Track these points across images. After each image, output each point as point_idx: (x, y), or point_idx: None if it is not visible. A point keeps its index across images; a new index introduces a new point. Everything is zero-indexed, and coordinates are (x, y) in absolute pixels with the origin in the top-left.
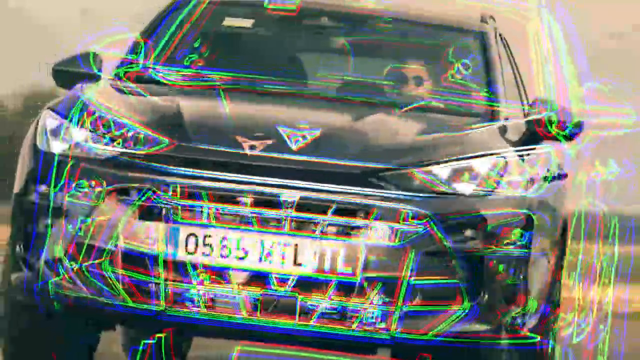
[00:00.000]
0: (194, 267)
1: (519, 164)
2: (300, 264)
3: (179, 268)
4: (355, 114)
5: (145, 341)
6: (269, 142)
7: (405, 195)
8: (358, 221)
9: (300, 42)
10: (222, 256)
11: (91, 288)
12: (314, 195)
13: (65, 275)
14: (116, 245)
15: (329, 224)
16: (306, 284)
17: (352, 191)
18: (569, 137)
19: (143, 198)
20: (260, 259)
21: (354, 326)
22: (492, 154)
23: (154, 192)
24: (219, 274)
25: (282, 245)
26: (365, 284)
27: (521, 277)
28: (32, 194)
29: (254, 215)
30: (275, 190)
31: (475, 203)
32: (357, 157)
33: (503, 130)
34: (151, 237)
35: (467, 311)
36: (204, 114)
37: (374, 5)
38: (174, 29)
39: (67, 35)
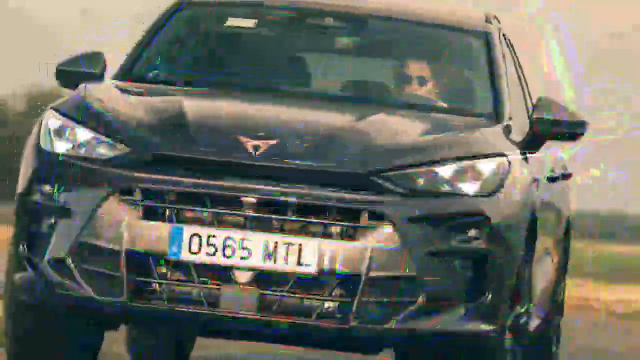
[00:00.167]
0: (197, 267)
1: (521, 165)
2: (303, 264)
3: (182, 268)
4: (358, 115)
5: (149, 341)
6: (272, 143)
7: (407, 196)
8: (360, 222)
9: (303, 42)
10: (225, 256)
11: (95, 288)
12: (316, 196)
13: (69, 276)
14: (120, 246)
15: (331, 225)
16: (308, 285)
17: (354, 192)
18: (571, 138)
19: (147, 198)
20: (264, 259)
21: (355, 325)
22: (495, 155)
23: (157, 192)
24: (222, 274)
25: (287, 245)
26: (367, 285)
27: (524, 277)
28: (35, 194)
29: (258, 215)
30: (277, 192)
31: (477, 204)
32: (359, 158)
33: (506, 130)
34: (155, 237)
35: (468, 311)
36: (206, 115)
37: (378, 5)
38: (176, 31)
39: (67, 35)
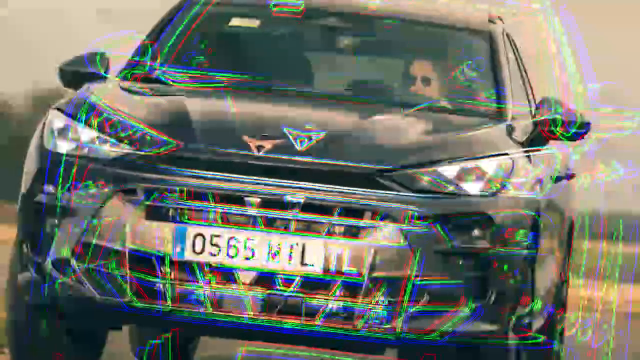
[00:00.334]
0: (201, 267)
1: (525, 165)
2: (308, 264)
3: (186, 268)
4: (362, 115)
5: (152, 341)
6: (276, 142)
7: (411, 195)
8: (365, 222)
9: (307, 42)
10: (229, 256)
11: (99, 288)
12: (321, 195)
13: (73, 276)
14: (123, 246)
15: (336, 225)
16: (313, 285)
17: (360, 191)
18: (573, 138)
19: (150, 198)
20: (268, 259)
21: (359, 326)
22: (498, 155)
23: (161, 191)
24: (226, 274)
25: (290, 245)
26: (371, 285)
27: (527, 277)
28: (38, 194)
29: (262, 215)
30: (281, 191)
31: (481, 203)
32: (363, 157)
33: (510, 130)
34: (158, 237)
35: (474, 311)
36: (211, 114)
37: (381, 5)
38: (181, 30)
39: (77, 35)
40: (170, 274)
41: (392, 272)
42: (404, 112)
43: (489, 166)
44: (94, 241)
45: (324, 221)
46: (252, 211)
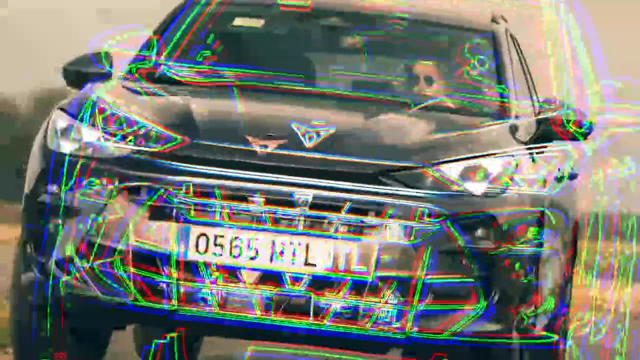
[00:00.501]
0: (207, 266)
1: (533, 163)
2: (313, 264)
3: (192, 267)
4: (368, 113)
5: (157, 341)
6: (283, 140)
7: (420, 193)
8: (372, 220)
9: (312, 40)
10: (233, 256)
11: (103, 287)
12: (327, 193)
13: (77, 275)
14: (127, 245)
15: (343, 223)
16: (320, 284)
17: (367, 189)
18: (585, 135)
19: (154, 197)
20: (272, 259)
21: (368, 326)
22: (502, 154)
23: (165, 190)
24: (231, 273)
25: (295, 245)
26: (380, 283)
27: (538, 276)
28: (42, 194)
29: (267, 214)
30: (288, 189)
31: (491, 201)
32: (371, 155)
33: (517, 128)
34: (162, 236)
35: (483, 310)
36: (215, 112)
37: (385, 4)
38: (186, 26)
39: (77, 35)
40: (174, 274)
41: (396, 271)
42: (409, 110)
43: (492, 166)
44: (98, 240)
45: (332, 219)
46: (256, 210)
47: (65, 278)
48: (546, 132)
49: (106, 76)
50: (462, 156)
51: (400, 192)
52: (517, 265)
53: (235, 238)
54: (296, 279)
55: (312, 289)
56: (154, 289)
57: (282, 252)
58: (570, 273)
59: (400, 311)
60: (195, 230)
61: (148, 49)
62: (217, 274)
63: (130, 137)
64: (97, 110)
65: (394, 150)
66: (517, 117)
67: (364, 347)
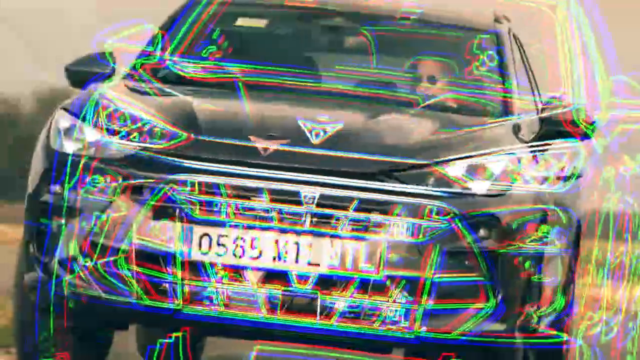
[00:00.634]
0: (211, 265)
1: (541, 160)
2: (318, 263)
3: (196, 266)
4: (373, 111)
5: (162, 340)
6: (289, 137)
7: (429, 191)
8: (380, 217)
9: (317, 40)
10: (235, 255)
11: (106, 286)
12: (334, 191)
13: (80, 274)
14: (131, 243)
15: (350, 221)
16: (327, 282)
17: (375, 186)
18: (582, 137)
19: (158, 195)
20: (280, 257)
21: (376, 325)
22: (505, 154)
23: (168, 190)
24: (237, 272)
25: (301, 243)
26: (388, 282)
27: (547, 274)
28: (45, 194)
29: (273, 212)
30: (294, 187)
31: (500, 200)
32: (379, 151)
33: (522, 127)
34: (165, 235)
35: (492, 309)
36: (218, 111)
37: (388, 4)
38: (192, 22)
39: (78, 35)
40: (177, 274)
41: (399, 271)
42: (416, 107)
43: (495, 165)
44: (101, 240)
45: (339, 217)
46: (261, 208)
47: (68, 277)
48: (548, 132)
49: (109, 75)
50: (470, 154)
51: (409, 190)
52: (527, 264)
53: (240, 237)
54: (303, 278)
55: (318, 288)
56: (158, 288)
57: (287, 251)
58: (573, 272)
59: (409, 310)
60: (198, 230)
61: (153, 45)
62: (222, 272)
63: (134, 134)
64: (99, 110)
65: (402, 148)
66: (521, 115)
67: (371, 347)
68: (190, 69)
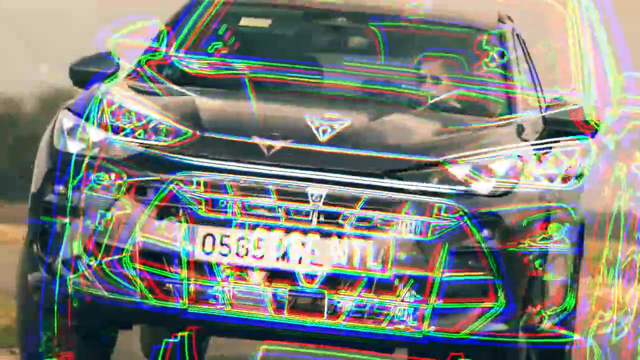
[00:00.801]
0: (216, 264)
1: (535, 163)
2: (325, 262)
3: (202, 265)
4: (381, 108)
5: (168, 340)
6: (296, 134)
7: (438, 189)
8: (388, 215)
9: (323, 39)
10: (240, 254)
11: (110, 286)
12: (342, 188)
13: (84, 273)
14: (135, 242)
15: (358, 218)
16: (334, 281)
17: (383, 184)
18: (586, 137)
19: (162, 194)
20: (286, 256)
21: (384, 324)
22: (508, 154)
23: (172, 190)
24: (242, 271)
25: (308, 241)
26: (396, 281)
27: (556, 273)
28: (49, 194)
29: (280, 209)
30: (301, 185)
31: (509, 198)
32: (387, 149)
33: (520, 129)
34: (169, 235)
35: (501, 309)
36: (219, 113)
37: (393, 4)
38: (197, 18)
39: (78, 36)
40: (180, 274)
41: (403, 271)
42: (423, 105)
43: (498, 165)
44: (105, 239)
45: (346, 214)
46: (268, 206)
47: (72, 276)
48: (551, 132)
49: (112, 73)
50: (478, 152)
51: (417, 188)
52: (536, 263)
53: (245, 236)
54: (309, 277)
55: (325, 287)
56: (163, 288)
57: (294, 249)
58: (576, 273)
59: (417, 309)
60: (202, 230)
61: (159, 41)
62: (228, 271)
63: (139, 132)
64: (103, 107)
65: (409, 146)
66: (523, 116)
67: (379, 347)
68: (195, 65)
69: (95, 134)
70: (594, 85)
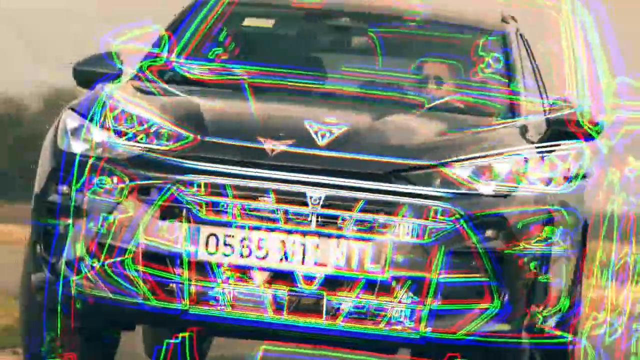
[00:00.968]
0: (218, 265)
1: (546, 161)
2: (324, 264)
3: (203, 266)
4: (379, 112)
5: (169, 340)
6: (295, 138)
7: (435, 192)
8: (386, 218)
9: (324, 40)
10: (241, 255)
11: (113, 287)
12: (340, 192)
13: (87, 274)
14: (138, 244)
15: (356, 221)
16: (333, 283)
17: (380, 187)
18: (599, 132)
19: (165, 196)
20: (286, 257)
21: (382, 325)
22: (511, 154)
23: (175, 191)
24: (243, 272)
25: (307, 243)
26: (394, 282)
27: (552, 275)
28: (52, 194)
29: (279, 212)
30: (300, 188)
31: (505, 200)
32: (385, 153)
33: (523, 130)
34: (172, 236)
35: (497, 310)
36: (223, 114)
37: (395, 4)
38: (198, 23)
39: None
40: (184, 274)
41: (405, 271)
42: (422, 109)
43: (501, 166)
44: (108, 240)
45: (345, 217)
46: (267, 209)
47: (75, 277)
48: (554, 132)
49: (116, 76)
50: (475, 155)
51: (414, 191)
52: (532, 265)
53: (246, 238)
54: (309, 278)
55: (324, 288)
56: (165, 289)
57: (293, 251)
58: (579, 273)
59: (414, 310)
60: (205, 231)
61: (160, 47)
62: (229, 273)
63: (141, 135)
64: (107, 111)
65: (408, 149)
66: (526, 117)
67: (377, 347)
68: (196, 70)
69: (98, 135)
70: (587, 90)
